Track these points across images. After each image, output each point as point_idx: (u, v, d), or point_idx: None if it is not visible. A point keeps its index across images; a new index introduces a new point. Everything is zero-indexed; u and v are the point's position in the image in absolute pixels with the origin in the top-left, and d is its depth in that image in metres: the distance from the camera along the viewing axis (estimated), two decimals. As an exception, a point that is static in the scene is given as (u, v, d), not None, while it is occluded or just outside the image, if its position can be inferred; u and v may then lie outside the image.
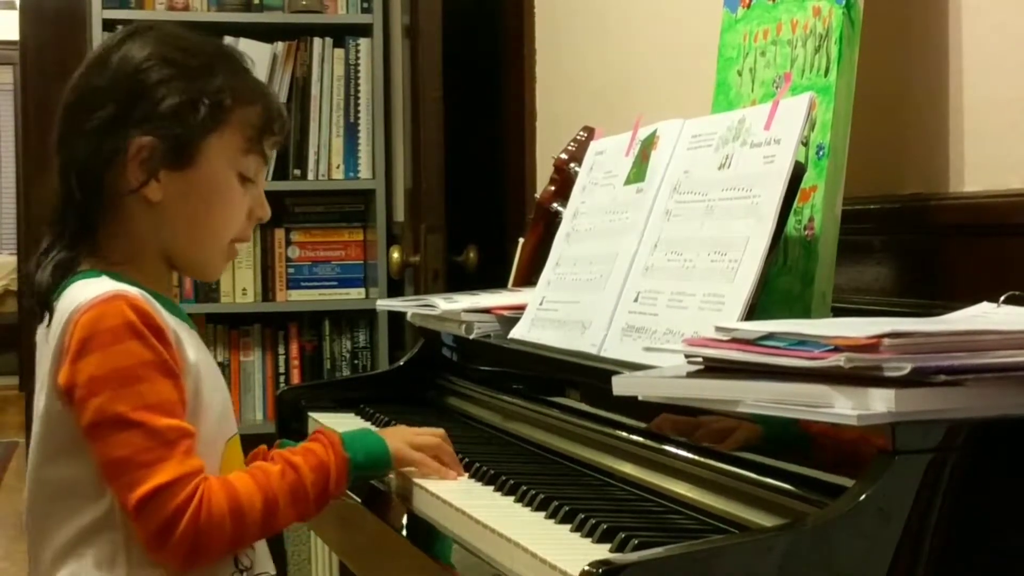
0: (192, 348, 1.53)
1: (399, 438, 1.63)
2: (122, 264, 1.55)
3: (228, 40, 3.46)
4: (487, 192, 3.38)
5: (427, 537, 1.51)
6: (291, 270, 3.94)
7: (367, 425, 2.03)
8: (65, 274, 1.53)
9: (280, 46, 3.84)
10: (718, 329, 1.21)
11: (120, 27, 3.78)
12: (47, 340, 1.52)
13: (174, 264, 1.62)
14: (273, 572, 1.61)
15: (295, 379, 3.91)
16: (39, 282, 1.54)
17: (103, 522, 1.48)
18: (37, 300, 1.55)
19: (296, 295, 3.93)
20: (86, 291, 1.49)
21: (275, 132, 1.61)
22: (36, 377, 1.54)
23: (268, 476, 1.50)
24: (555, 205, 2.13)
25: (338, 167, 3.93)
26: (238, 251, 1.66)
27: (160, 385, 1.46)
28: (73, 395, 1.45)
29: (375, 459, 1.60)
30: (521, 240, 2.31)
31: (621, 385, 1.27)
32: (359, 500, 1.69)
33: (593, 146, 1.96)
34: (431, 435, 1.66)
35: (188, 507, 1.42)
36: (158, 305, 1.50)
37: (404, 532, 1.58)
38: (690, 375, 1.21)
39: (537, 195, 2.33)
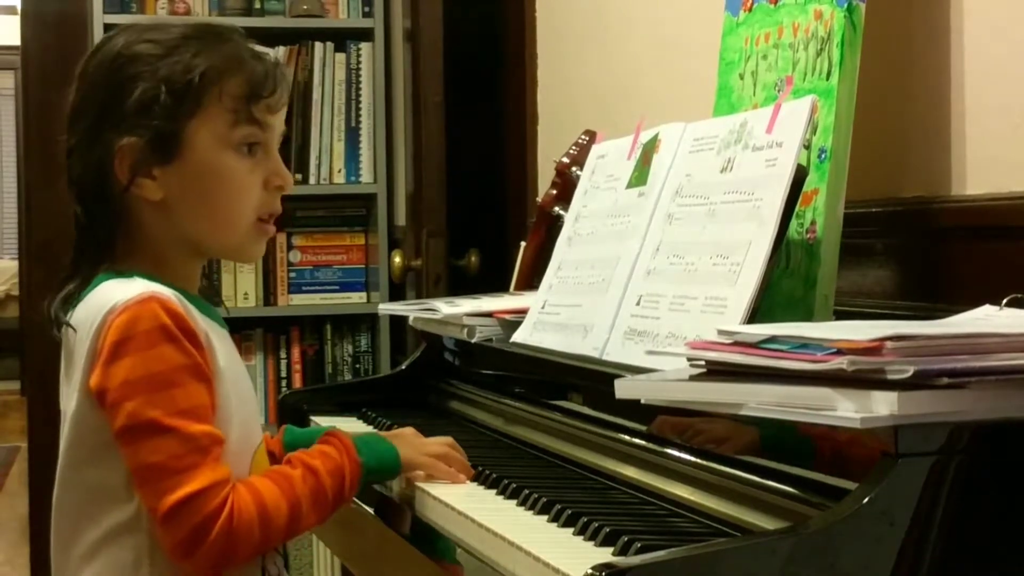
0: (223, 353, 1.51)
1: (408, 444, 1.63)
2: (149, 266, 1.53)
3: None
4: (488, 196, 3.38)
5: (430, 541, 1.51)
6: (292, 274, 3.94)
7: (369, 429, 2.03)
8: (72, 305, 1.51)
9: (281, 50, 3.85)
10: (720, 332, 1.21)
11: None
12: (72, 343, 1.50)
13: (207, 254, 1.60)
14: None
15: (297, 383, 3.91)
16: (52, 313, 1.52)
17: (129, 525, 1.47)
18: (54, 324, 1.53)
19: (298, 299, 3.94)
20: (119, 291, 1.46)
21: (264, 96, 1.54)
22: (62, 375, 1.53)
23: (291, 481, 1.49)
24: (557, 209, 2.13)
25: (339, 171, 3.93)
26: (271, 229, 1.59)
27: (193, 389, 1.44)
28: (105, 399, 1.43)
29: (386, 464, 1.59)
30: (523, 244, 2.31)
31: (624, 388, 1.27)
32: (362, 504, 1.69)
33: (595, 150, 1.96)
34: (440, 443, 1.65)
35: (220, 514, 1.41)
36: (191, 307, 1.48)
37: (407, 536, 1.58)
38: (693, 378, 1.21)
39: (539, 199, 2.33)
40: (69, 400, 1.50)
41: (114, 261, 1.53)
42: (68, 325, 1.51)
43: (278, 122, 1.58)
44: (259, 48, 1.60)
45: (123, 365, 1.43)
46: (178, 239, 1.55)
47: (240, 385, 1.55)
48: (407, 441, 1.64)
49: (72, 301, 1.52)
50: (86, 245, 1.55)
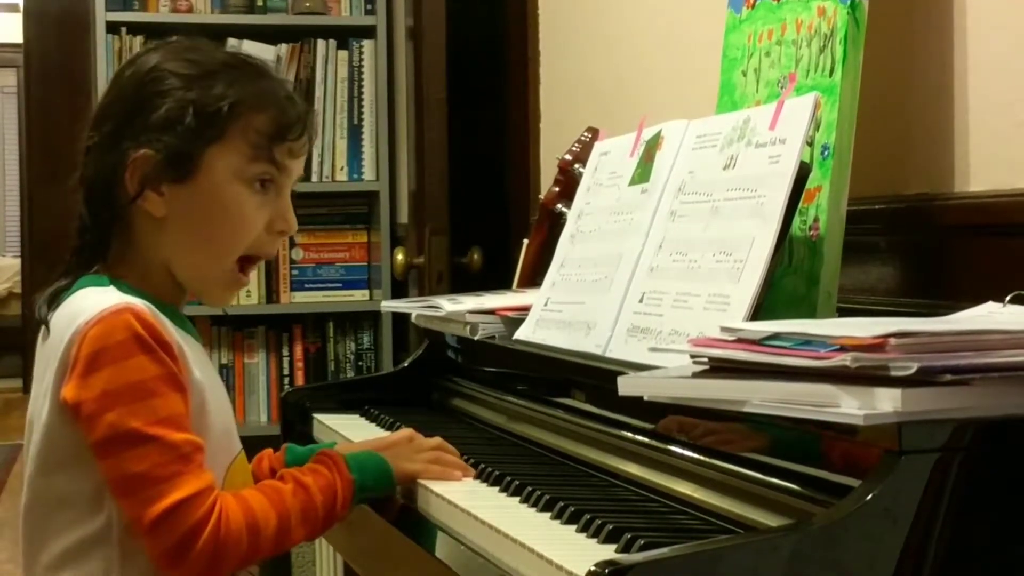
0: (197, 365, 1.51)
1: (400, 455, 1.63)
2: (135, 278, 1.53)
3: (232, 42, 3.47)
4: (491, 193, 3.38)
5: (432, 538, 1.51)
6: (295, 272, 3.94)
7: (372, 427, 2.03)
8: (57, 304, 1.52)
9: (284, 48, 3.85)
10: (723, 329, 1.20)
11: (124, 29, 3.80)
12: (46, 348, 1.51)
13: (183, 284, 1.59)
14: None
15: (299, 381, 3.92)
16: (39, 308, 1.53)
17: (98, 537, 1.47)
18: (38, 322, 1.54)
19: (300, 297, 3.94)
20: (92, 301, 1.47)
21: (288, 139, 1.55)
22: (34, 383, 1.53)
23: (280, 494, 1.49)
24: (559, 206, 2.13)
25: (342, 169, 3.93)
26: (247, 281, 1.59)
27: (171, 399, 1.44)
28: (81, 411, 1.43)
29: (379, 479, 1.59)
30: (525, 241, 2.31)
31: (627, 385, 1.27)
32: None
33: (597, 147, 1.96)
34: (430, 446, 1.65)
35: (208, 521, 1.41)
36: (164, 318, 1.48)
37: (409, 534, 1.58)
38: (696, 375, 1.21)
39: (541, 196, 2.33)
40: (40, 407, 1.49)
41: (105, 265, 1.54)
42: (46, 325, 1.51)
43: (297, 166, 1.59)
44: (255, 49, 1.61)
45: (100, 377, 1.42)
46: (164, 258, 1.55)
47: (216, 396, 1.55)
48: (398, 452, 1.64)
49: (58, 300, 1.52)
50: (83, 246, 1.55)
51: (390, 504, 1.64)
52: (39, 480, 1.50)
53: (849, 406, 1.04)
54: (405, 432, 1.73)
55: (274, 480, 1.54)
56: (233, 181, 1.53)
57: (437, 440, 1.67)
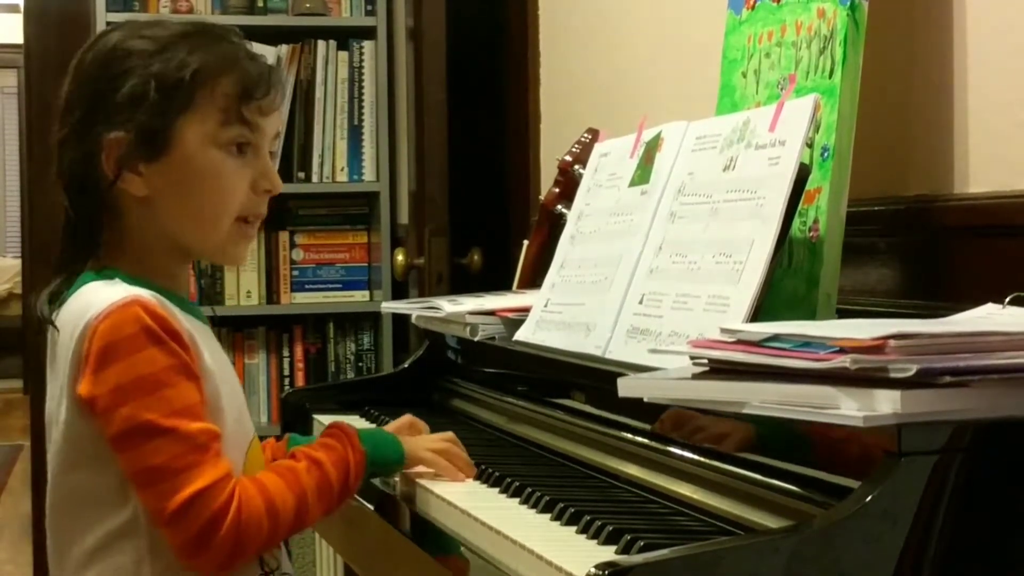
0: (208, 350, 1.51)
1: (410, 439, 1.64)
2: (132, 264, 1.53)
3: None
4: (491, 194, 3.38)
5: (432, 539, 1.51)
6: (295, 272, 3.94)
7: (372, 427, 2.03)
8: (58, 303, 1.51)
9: (284, 49, 3.85)
10: (723, 331, 1.21)
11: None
12: (56, 346, 1.51)
13: (189, 254, 1.59)
14: (292, 573, 1.61)
15: (299, 382, 3.92)
16: (39, 310, 1.53)
17: (126, 529, 1.47)
18: (40, 325, 1.54)
19: (300, 298, 3.94)
20: (101, 295, 1.46)
21: (256, 97, 1.54)
22: (48, 382, 1.53)
23: (295, 473, 1.49)
24: (559, 207, 2.13)
25: (342, 169, 3.93)
26: (253, 233, 1.59)
27: (185, 389, 1.44)
28: (96, 406, 1.43)
29: (389, 456, 1.60)
30: (525, 242, 2.31)
31: (626, 387, 1.27)
32: (364, 501, 1.69)
33: (597, 148, 1.96)
34: (441, 438, 1.66)
35: (228, 510, 1.41)
36: (172, 306, 1.48)
37: (409, 534, 1.58)
38: (695, 377, 1.21)
39: (541, 197, 2.33)
40: (58, 405, 1.49)
41: (99, 257, 1.53)
42: (53, 325, 1.51)
43: (270, 124, 1.57)
44: (256, 50, 1.61)
45: (112, 371, 1.42)
46: (161, 237, 1.55)
47: (228, 380, 1.55)
48: (408, 436, 1.65)
49: (58, 298, 1.52)
50: (72, 239, 1.54)
51: (391, 505, 1.64)
52: (63, 477, 1.50)
53: (849, 408, 1.04)
54: (405, 419, 1.74)
55: (287, 460, 1.54)
56: (208, 148, 1.52)
57: (450, 435, 1.67)
